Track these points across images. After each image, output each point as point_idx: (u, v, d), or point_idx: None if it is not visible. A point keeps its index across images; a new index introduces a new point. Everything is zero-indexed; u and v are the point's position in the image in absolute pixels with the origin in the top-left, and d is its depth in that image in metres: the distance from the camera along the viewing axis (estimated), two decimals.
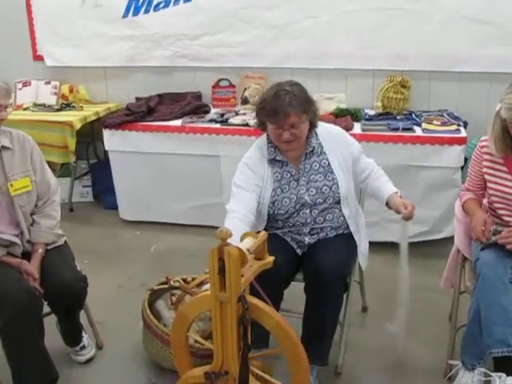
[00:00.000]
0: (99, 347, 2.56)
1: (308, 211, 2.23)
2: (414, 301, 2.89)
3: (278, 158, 2.24)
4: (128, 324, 2.63)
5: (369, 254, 3.32)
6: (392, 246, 3.45)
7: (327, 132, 2.30)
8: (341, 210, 2.27)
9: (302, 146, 2.22)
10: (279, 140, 2.15)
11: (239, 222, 2.05)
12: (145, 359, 2.46)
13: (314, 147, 2.24)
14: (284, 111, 2.05)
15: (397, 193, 2.25)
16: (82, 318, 2.52)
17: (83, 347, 2.46)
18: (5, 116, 2.10)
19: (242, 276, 1.73)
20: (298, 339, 1.72)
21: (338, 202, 2.26)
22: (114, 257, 3.52)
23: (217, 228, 3.77)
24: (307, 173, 2.24)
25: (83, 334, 2.49)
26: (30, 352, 1.99)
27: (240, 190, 2.20)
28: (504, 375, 1.94)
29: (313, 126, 2.22)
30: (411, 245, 3.40)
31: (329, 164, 2.25)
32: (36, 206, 2.28)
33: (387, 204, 2.25)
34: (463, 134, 3.25)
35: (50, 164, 4.26)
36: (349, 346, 2.52)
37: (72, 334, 2.42)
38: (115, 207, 4.03)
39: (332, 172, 2.24)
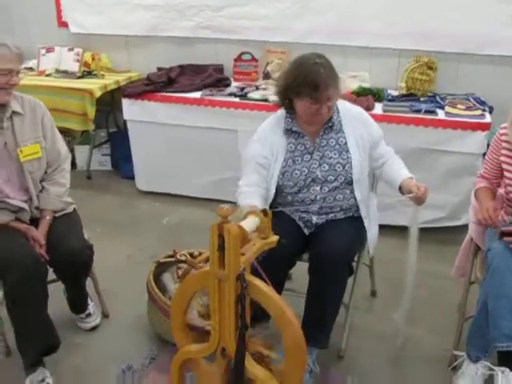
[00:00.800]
0: (105, 316, 2.59)
1: (318, 188, 2.18)
2: (425, 287, 2.86)
3: (294, 128, 2.20)
4: (135, 295, 2.65)
5: (383, 237, 3.26)
6: (404, 230, 3.41)
7: (349, 111, 2.26)
8: (352, 192, 2.21)
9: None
10: (316, 114, 2.09)
11: (251, 195, 2.12)
12: (148, 331, 2.48)
13: (333, 123, 2.19)
14: (325, 85, 2.01)
15: (412, 178, 2.18)
16: (89, 286, 2.55)
17: (89, 315, 2.49)
18: (17, 81, 2.08)
19: (243, 254, 1.72)
20: (298, 322, 1.69)
21: (350, 184, 2.20)
22: (127, 227, 3.54)
23: (232, 203, 3.76)
24: (322, 148, 2.19)
25: (89, 302, 2.52)
26: (32, 317, 2.01)
27: (249, 165, 2.20)
28: (507, 370, 1.90)
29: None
30: (427, 230, 3.36)
31: (346, 143, 2.20)
32: (46, 172, 2.28)
33: (400, 189, 2.18)
34: (487, 119, 3.13)
35: (70, 131, 4.33)
36: (354, 330, 2.50)
37: (77, 302, 2.45)
38: (132, 177, 4.04)
39: (348, 151, 2.19)
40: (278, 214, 2.19)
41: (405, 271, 3.04)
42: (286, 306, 1.67)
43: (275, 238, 1.82)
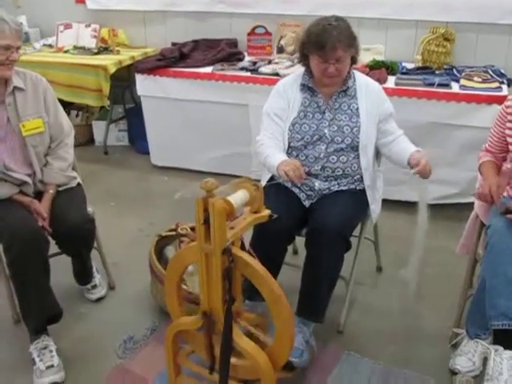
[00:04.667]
0: (111, 287, 2.64)
1: (324, 147, 2.22)
2: (434, 264, 2.83)
3: (310, 85, 2.26)
4: (141, 268, 2.68)
5: (394, 213, 3.25)
6: (416, 206, 3.36)
7: (365, 82, 2.31)
8: (357, 158, 2.23)
9: (339, 83, 2.24)
10: (324, 74, 2.16)
11: (271, 147, 2.22)
12: (152, 303, 2.52)
13: (348, 87, 2.25)
14: (332, 45, 2.08)
15: (419, 151, 2.13)
16: (98, 258, 2.62)
17: (95, 286, 2.56)
18: (16, 57, 2.09)
19: (232, 228, 1.72)
20: (284, 295, 1.69)
21: (356, 149, 2.23)
22: (140, 201, 3.59)
23: (244, 178, 3.72)
24: (334, 110, 2.25)
25: (95, 274, 2.57)
26: (32, 288, 2.06)
27: (267, 119, 2.29)
28: (501, 348, 1.86)
29: (353, 63, 2.24)
30: (439, 206, 3.31)
31: (357, 108, 2.25)
32: (49, 147, 2.32)
33: (409, 163, 2.13)
34: (504, 92, 3.02)
35: (88, 107, 4.38)
36: (357, 305, 2.51)
37: (82, 274, 2.51)
38: (148, 152, 4.07)
39: (358, 116, 2.23)
40: (277, 186, 2.21)
41: (413, 248, 3.03)
42: (272, 280, 1.68)
43: (267, 212, 1.81)
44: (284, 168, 2.05)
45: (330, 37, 2.08)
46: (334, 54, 2.10)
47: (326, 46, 2.08)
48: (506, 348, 1.86)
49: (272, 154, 2.19)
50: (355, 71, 2.34)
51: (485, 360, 2.01)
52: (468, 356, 2.06)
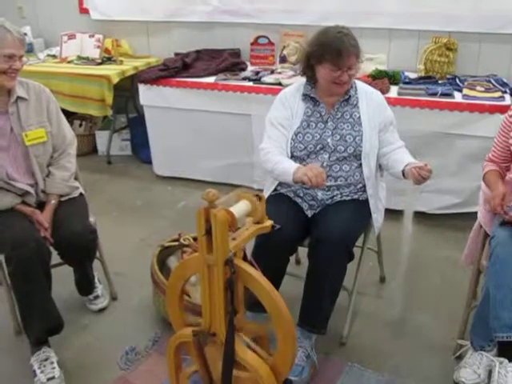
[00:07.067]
0: (113, 298, 2.63)
1: (326, 156, 2.22)
2: (438, 274, 2.83)
3: (312, 95, 2.27)
4: (144, 278, 2.67)
5: (396, 223, 3.25)
6: (420, 216, 3.36)
7: (366, 91, 2.32)
8: (360, 167, 2.23)
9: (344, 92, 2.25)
10: (337, 81, 2.16)
11: (276, 154, 2.21)
12: (154, 313, 2.51)
13: (350, 96, 2.26)
14: (347, 52, 2.10)
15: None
16: (100, 269, 2.61)
17: (97, 297, 2.54)
18: (19, 66, 2.11)
19: (234, 239, 1.71)
20: (286, 307, 1.68)
21: (359, 158, 2.22)
22: (143, 211, 3.59)
23: (247, 187, 3.76)
24: (337, 119, 2.25)
25: (97, 284, 2.56)
26: (34, 299, 2.05)
27: (272, 128, 2.28)
28: (506, 361, 1.84)
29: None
30: (443, 216, 3.31)
31: (359, 117, 2.25)
32: (52, 157, 2.32)
33: (403, 172, 2.09)
34: (507, 101, 3.02)
35: (91, 117, 4.39)
36: (360, 316, 2.49)
37: (84, 284, 2.50)
38: (151, 162, 4.08)
39: (360, 125, 2.24)
40: (279, 196, 2.20)
41: (417, 257, 3.03)
42: (275, 292, 1.66)
43: (269, 222, 1.80)
44: (308, 173, 2.00)
45: (344, 44, 2.10)
46: (349, 61, 2.12)
47: (342, 54, 2.09)
48: (510, 360, 1.84)
49: (283, 160, 2.18)
50: (356, 80, 2.34)
51: (490, 372, 1.99)
52: (473, 368, 2.04)
